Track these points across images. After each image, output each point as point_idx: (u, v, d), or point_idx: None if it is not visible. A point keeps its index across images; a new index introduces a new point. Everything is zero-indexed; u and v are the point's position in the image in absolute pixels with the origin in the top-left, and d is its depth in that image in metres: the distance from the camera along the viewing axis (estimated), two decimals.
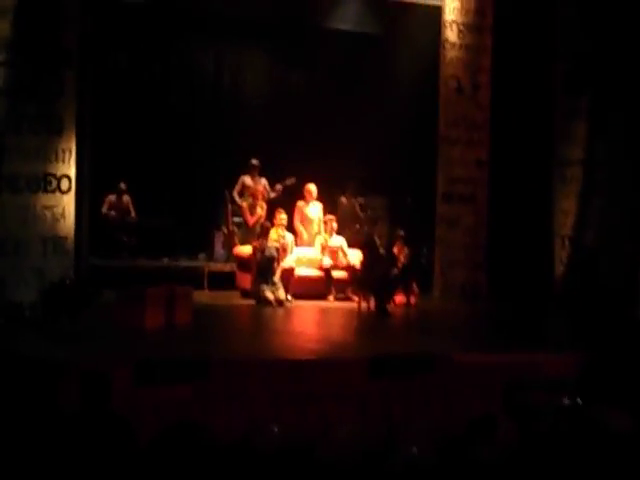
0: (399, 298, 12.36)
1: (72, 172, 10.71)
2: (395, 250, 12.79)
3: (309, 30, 15.41)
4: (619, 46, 12.81)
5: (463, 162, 14.19)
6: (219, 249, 14.81)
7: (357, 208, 14.76)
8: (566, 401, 6.96)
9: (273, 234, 12.62)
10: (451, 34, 14.07)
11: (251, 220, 13.89)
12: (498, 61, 14.13)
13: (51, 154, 10.64)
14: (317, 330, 10.60)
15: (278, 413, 7.59)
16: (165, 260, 14.21)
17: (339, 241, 13.44)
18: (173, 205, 14.95)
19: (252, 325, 10.65)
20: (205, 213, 15.21)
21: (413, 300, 12.55)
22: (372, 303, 11.83)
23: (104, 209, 14.41)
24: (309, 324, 11.26)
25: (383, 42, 15.36)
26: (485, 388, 8.44)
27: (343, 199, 14.77)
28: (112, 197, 14.55)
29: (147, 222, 14.56)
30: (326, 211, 13.96)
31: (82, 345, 8.33)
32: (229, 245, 14.44)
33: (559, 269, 13.45)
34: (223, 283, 13.40)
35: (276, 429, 5.80)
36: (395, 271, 12.22)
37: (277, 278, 12.32)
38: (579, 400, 6.89)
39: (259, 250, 12.42)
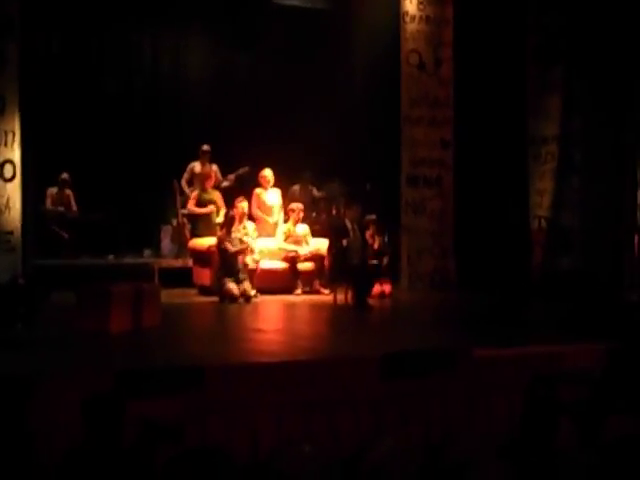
0: (375, 288, 11.12)
1: (16, 157, 9.25)
2: (367, 237, 11.52)
3: (254, 7, 14.09)
4: (591, 15, 11.87)
5: (427, 143, 13.09)
6: (167, 244, 13.40)
7: (313, 196, 13.58)
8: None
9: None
10: (410, 6, 12.94)
11: (193, 208, 12.58)
12: (461, 34, 13.06)
13: None
14: (304, 327, 9.31)
15: (282, 424, 6.42)
16: (110, 257, 12.77)
17: (304, 230, 12.21)
18: (116, 198, 13.42)
19: (229, 325, 9.31)
20: (151, 206, 13.76)
21: (388, 290, 11.37)
22: (349, 295, 10.61)
23: (47, 203, 12.91)
24: (290, 321, 9.97)
25: (337, 18, 14.10)
26: (507, 384, 7.36)
27: (296, 188, 13.54)
28: (53, 190, 13.03)
29: (89, 217, 13.07)
30: (286, 198, 12.73)
31: (45, 356, 6.93)
32: (179, 239, 13.07)
33: (537, 253, 12.45)
34: (175, 280, 12.03)
35: (307, 448, 4.80)
36: (372, 260, 10.98)
37: (243, 271, 11.03)
38: None
39: (223, 242, 11.11)
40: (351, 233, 11.07)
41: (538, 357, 7.58)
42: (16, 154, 9.25)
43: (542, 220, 12.37)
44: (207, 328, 9.15)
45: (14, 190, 9.24)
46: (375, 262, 11.05)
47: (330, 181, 13.85)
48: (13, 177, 9.27)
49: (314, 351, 7.48)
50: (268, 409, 6.52)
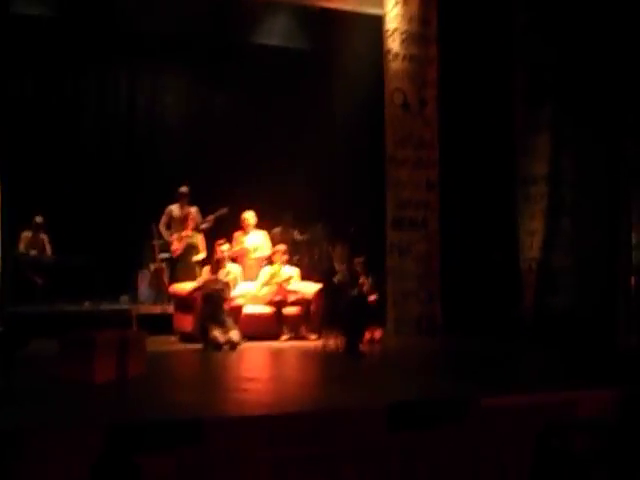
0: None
1: None
2: (357, 279, 11.07)
3: (232, 46, 13.74)
4: (579, 51, 11.60)
5: (412, 184, 12.67)
6: (144, 289, 12.90)
7: (294, 239, 13.17)
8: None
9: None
10: (394, 44, 12.59)
11: (177, 248, 12.10)
12: (445, 74, 12.74)
13: None
14: (298, 376, 8.76)
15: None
16: (86, 304, 12.24)
17: (289, 272, 11.76)
18: (91, 242, 12.91)
19: (218, 373, 8.76)
20: (127, 250, 13.27)
21: (378, 335, 10.91)
22: (340, 341, 10.14)
23: (21, 248, 12.36)
24: (283, 369, 9.40)
25: (318, 57, 13.80)
26: (517, 434, 6.94)
27: (277, 230, 13.12)
28: (27, 234, 12.50)
29: (64, 261, 12.52)
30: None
31: (29, 408, 6.39)
32: (157, 284, 12.58)
33: (528, 295, 12.07)
34: (155, 326, 11.48)
35: None
36: (363, 303, 10.51)
37: (228, 317, 10.55)
38: None
39: (205, 286, 10.64)
40: (340, 275, 10.60)
41: (549, 405, 7.17)
42: None
43: (532, 262, 12.00)
44: (196, 377, 8.60)
45: None
46: (366, 306, 10.55)
47: (313, 223, 13.44)
48: None
49: (314, 401, 6.98)
50: (270, 463, 6.05)
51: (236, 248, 11.97)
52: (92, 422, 5.89)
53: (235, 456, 5.94)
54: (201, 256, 11.90)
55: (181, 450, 5.73)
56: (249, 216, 12.19)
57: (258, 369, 9.26)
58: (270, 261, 11.94)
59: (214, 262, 10.94)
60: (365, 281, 10.93)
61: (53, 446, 5.52)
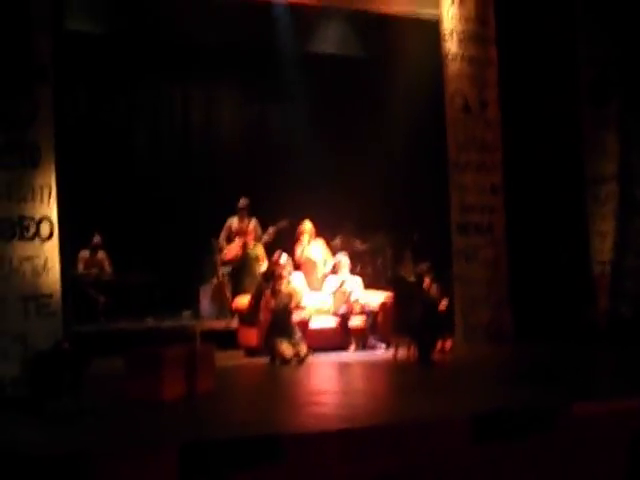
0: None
1: (53, 214, 8.44)
2: (425, 287, 10.64)
3: (288, 56, 13.46)
4: None
5: (476, 188, 12.27)
6: (206, 305, 12.62)
7: (355, 249, 12.83)
8: None
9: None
10: (452, 45, 12.17)
11: (229, 255, 11.85)
12: (507, 75, 12.34)
13: (27, 192, 8.38)
14: (373, 387, 8.38)
15: None
16: (149, 320, 11.99)
17: (353, 282, 11.41)
18: (151, 258, 12.68)
19: (289, 388, 8.43)
20: (187, 266, 13.00)
21: (449, 345, 10.50)
22: (411, 351, 9.77)
23: (80, 268, 12.17)
24: (355, 381, 9.03)
25: (376, 63, 13.50)
26: (609, 443, 6.52)
27: (337, 241, 12.79)
28: (85, 253, 12.31)
29: (124, 279, 12.30)
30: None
31: (98, 429, 6.10)
32: (220, 298, 12.31)
33: (601, 299, 11.61)
34: (219, 342, 11.16)
35: None
36: (435, 311, 10.11)
37: (295, 330, 10.23)
38: None
39: (271, 299, 10.33)
40: (410, 283, 10.20)
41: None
42: (53, 211, 8.45)
43: (604, 264, 11.56)
44: (266, 392, 8.24)
45: (52, 250, 8.41)
46: (437, 315, 10.15)
47: (375, 232, 13.10)
48: (50, 236, 8.44)
49: (393, 413, 6.63)
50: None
51: (298, 256, 11.66)
52: (165, 442, 5.57)
53: (317, 473, 5.60)
54: (265, 266, 11.58)
55: (261, 468, 5.40)
56: (309, 226, 11.91)
57: (329, 382, 8.92)
58: (334, 271, 11.59)
59: (276, 274, 10.57)
60: (432, 288, 10.51)
61: (125, 467, 5.22)
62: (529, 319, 11.78)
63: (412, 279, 10.29)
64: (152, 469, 5.26)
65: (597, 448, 6.51)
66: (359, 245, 13.03)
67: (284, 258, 10.87)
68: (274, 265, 10.74)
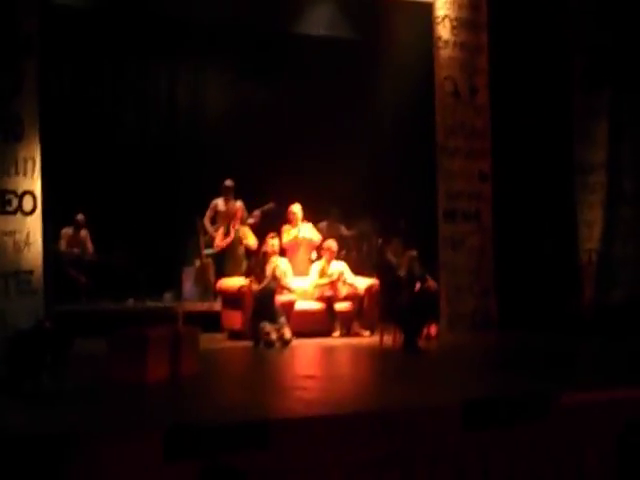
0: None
1: (37, 188, 8.23)
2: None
3: (276, 37, 13.26)
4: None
5: (464, 175, 12.16)
6: (189, 286, 12.43)
7: (341, 234, 12.67)
8: None
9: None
10: (444, 31, 12.07)
11: (221, 243, 11.67)
12: (497, 61, 12.21)
13: (9, 165, 8.16)
14: (359, 373, 8.24)
15: None
16: (130, 302, 11.81)
17: (339, 268, 11.27)
18: (134, 239, 12.45)
19: (275, 372, 8.28)
20: (170, 247, 12.80)
21: (434, 331, 10.38)
22: (397, 337, 9.64)
23: (62, 245, 11.95)
24: (342, 366, 8.88)
25: (366, 46, 13.25)
26: (598, 433, 6.42)
27: (323, 225, 12.63)
28: (68, 231, 12.09)
29: (106, 259, 12.09)
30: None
31: (80, 411, 5.93)
32: (203, 280, 12.12)
33: (587, 288, 11.52)
34: (201, 324, 10.98)
35: None
36: (421, 299, 9.96)
37: (279, 313, 10.08)
38: None
39: (256, 282, 10.18)
40: (400, 269, 10.03)
41: (630, 400, 6.65)
42: (37, 185, 8.25)
43: (592, 253, 11.47)
44: (252, 376, 8.08)
45: (34, 225, 8.21)
46: (425, 300, 10.01)
47: (361, 218, 12.95)
48: (33, 210, 8.26)
49: (381, 399, 6.47)
50: (339, 467, 5.56)
51: (287, 239, 11.51)
52: (150, 425, 5.42)
53: (302, 460, 5.46)
54: (252, 242, 11.41)
55: (247, 453, 5.26)
56: (298, 209, 11.73)
57: (315, 367, 8.79)
58: (319, 256, 11.45)
59: (261, 256, 10.42)
60: (419, 271, 10.34)
61: (109, 450, 5.06)
62: (514, 308, 11.69)
63: (403, 265, 10.07)
64: (137, 452, 5.10)
65: (587, 438, 6.41)
66: (344, 231, 12.86)
67: (275, 241, 10.74)
68: (264, 247, 10.59)
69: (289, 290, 10.61)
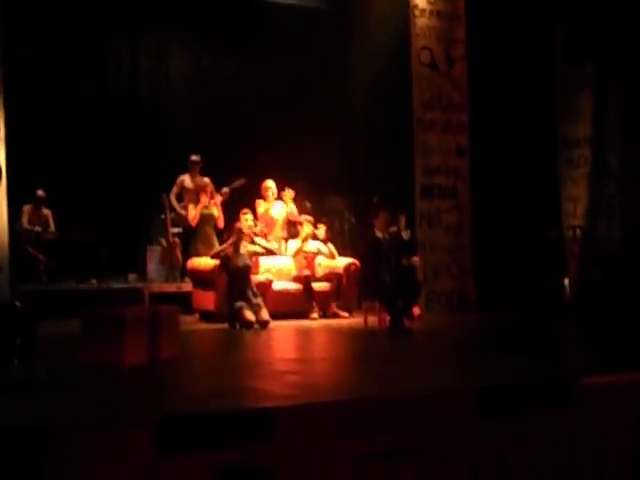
0: None
1: (2, 158, 7.49)
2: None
3: (242, 6, 12.55)
4: (623, 4, 10.57)
5: (442, 149, 11.71)
6: (154, 266, 11.70)
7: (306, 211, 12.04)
8: None
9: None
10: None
11: (195, 217, 11.02)
12: (475, 31, 11.68)
13: None
14: (352, 356, 7.55)
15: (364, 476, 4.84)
16: (93, 282, 11.09)
17: (316, 245, 10.66)
18: (97, 217, 11.67)
19: (261, 355, 7.62)
20: (134, 225, 12.07)
21: (417, 312, 9.79)
22: (382, 318, 9.05)
23: (24, 222, 11.18)
24: (329, 349, 8.18)
25: (337, 15, 12.66)
26: (616, 419, 5.89)
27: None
28: (29, 208, 11.31)
29: (68, 238, 11.32)
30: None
31: (55, 399, 5.24)
32: (170, 260, 11.44)
33: (571, 266, 11.04)
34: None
35: None
36: (408, 276, 9.33)
37: (256, 294, 9.43)
38: None
39: (230, 259, 9.51)
40: (384, 245, 9.36)
41: None
42: (1, 155, 7.49)
43: (577, 230, 10.99)
44: (234, 359, 7.37)
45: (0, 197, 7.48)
46: (414, 278, 9.41)
47: (332, 193, 12.34)
48: None
49: (381, 383, 5.84)
50: (347, 459, 4.96)
51: (260, 212, 10.89)
52: (138, 415, 4.76)
53: (307, 451, 4.85)
54: (220, 220, 10.78)
55: (249, 445, 4.63)
56: (271, 184, 11.14)
57: (304, 350, 8.15)
58: (296, 234, 10.84)
59: (235, 233, 9.74)
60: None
61: (95, 444, 4.39)
62: (492, 287, 11.24)
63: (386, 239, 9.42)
64: (126, 445, 4.45)
65: (605, 424, 5.88)
66: (307, 206, 12.15)
67: (249, 216, 10.11)
68: (237, 224, 9.94)
69: (271, 251, 9.99)
